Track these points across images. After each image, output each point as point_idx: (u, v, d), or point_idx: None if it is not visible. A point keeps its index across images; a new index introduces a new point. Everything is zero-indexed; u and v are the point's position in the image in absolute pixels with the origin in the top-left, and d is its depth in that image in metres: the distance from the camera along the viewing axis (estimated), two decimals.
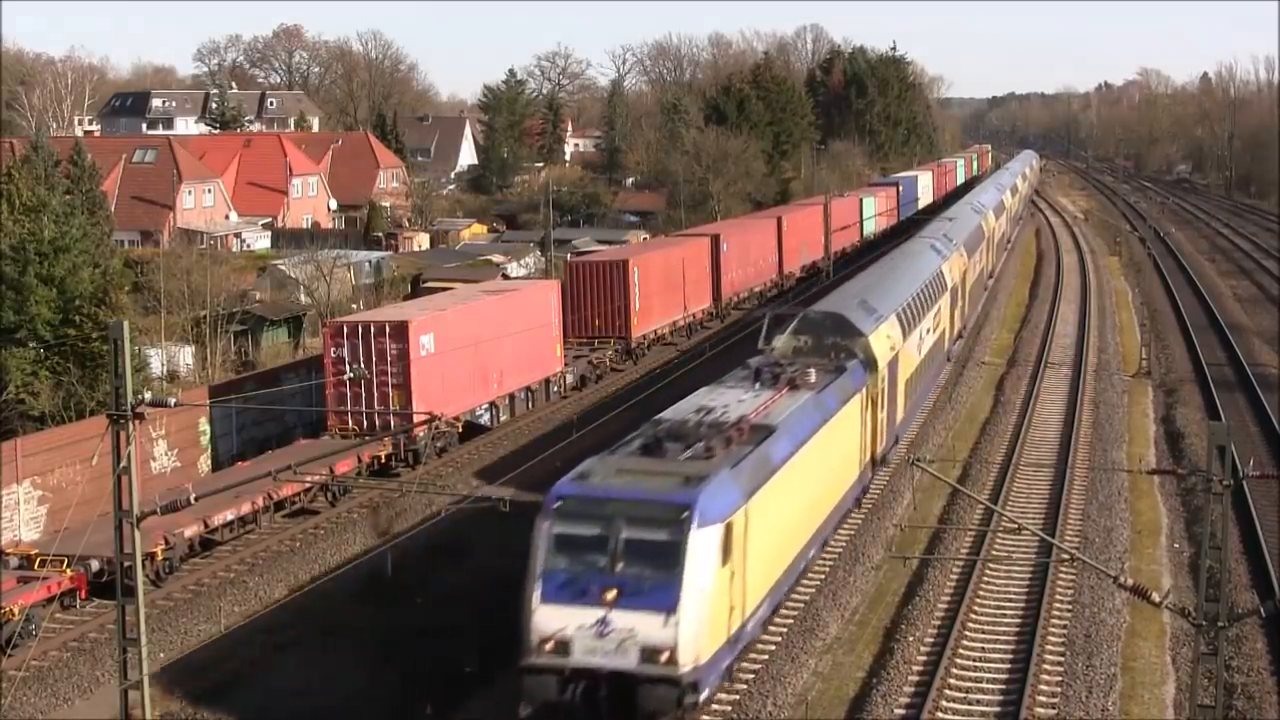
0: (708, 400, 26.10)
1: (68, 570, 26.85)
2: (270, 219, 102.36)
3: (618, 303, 51.60)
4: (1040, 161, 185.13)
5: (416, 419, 36.39)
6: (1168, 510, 33.39)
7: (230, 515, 30.97)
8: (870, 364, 30.75)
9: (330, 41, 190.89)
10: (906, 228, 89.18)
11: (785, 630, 25.14)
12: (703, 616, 19.46)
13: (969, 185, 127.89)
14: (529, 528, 20.43)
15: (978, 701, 22.61)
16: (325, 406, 37.70)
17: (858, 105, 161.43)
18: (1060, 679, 23.21)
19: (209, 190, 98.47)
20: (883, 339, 32.12)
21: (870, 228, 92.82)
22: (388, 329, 37.14)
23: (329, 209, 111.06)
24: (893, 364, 32.88)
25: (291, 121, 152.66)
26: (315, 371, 39.10)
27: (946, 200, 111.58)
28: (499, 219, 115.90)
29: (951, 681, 23.25)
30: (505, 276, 69.78)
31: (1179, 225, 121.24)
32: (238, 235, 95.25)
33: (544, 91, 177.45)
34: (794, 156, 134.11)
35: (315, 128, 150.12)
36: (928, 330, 39.97)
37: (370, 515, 33.22)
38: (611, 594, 19.24)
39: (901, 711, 22.16)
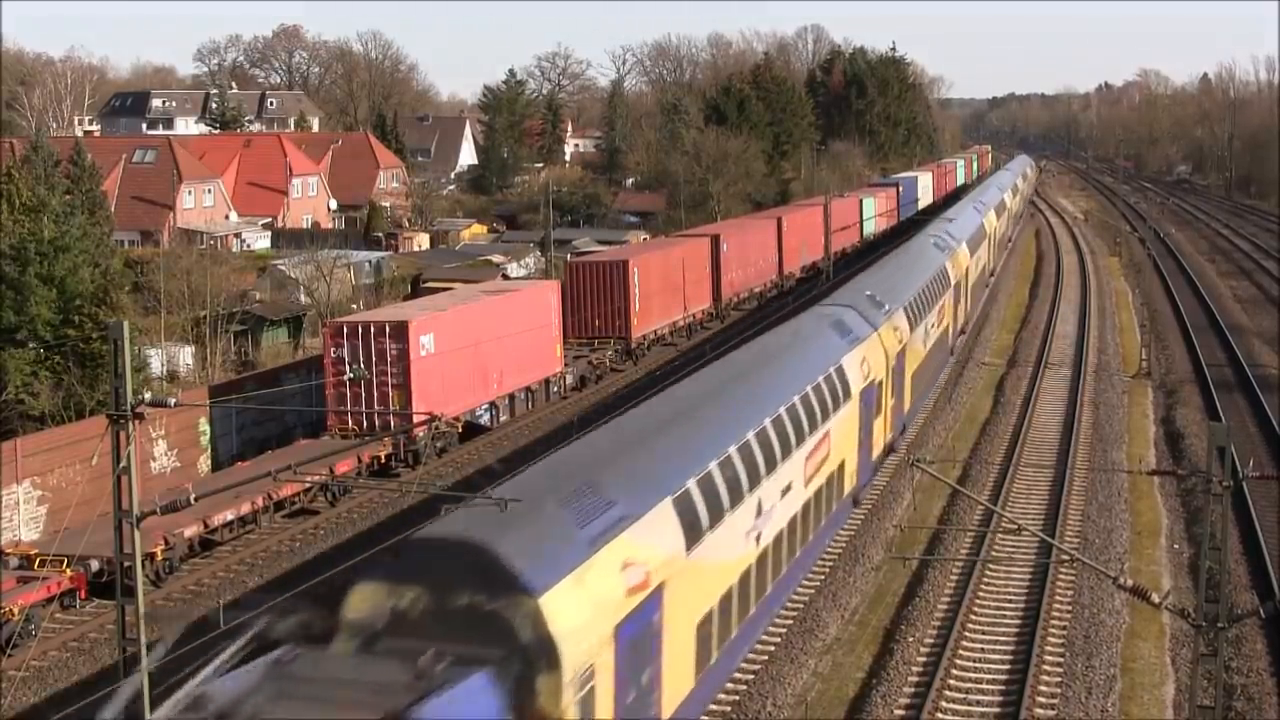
0: None
1: (68, 570, 26.86)
2: (270, 219, 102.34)
3: (617, 303, 51.66)
4: (1037, 167, 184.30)
5: (416, 419, 36.42)
6: (1167, 511, 33.38)
7: (230, 515, 30.99)
8: (540, 657, 14.00)
9: (330, 42, 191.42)
10: (907, 228, 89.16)
11: (785, 631, 25.14)
12: None
13: (968, 187, 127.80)
14: None
15: (977, 702, 22.61)
16: (325, 407, 37.74)
17: (858, 106, 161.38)
18: (1060, 680, 23.20)
19: (209, 190, 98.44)
20: (603, 583, 15.54)
21: (870, 228, 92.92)
22: (388, 329, 37.17)
23: (329, 209, 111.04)
24: (636, 623, 16.09)
25: (291, 121, 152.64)
26: (315, 372, 39.13)
27: (947, 201, 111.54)
28: (499, 219, 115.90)
29: (951, 682, 23.25)
30: (505, 277, 69.80)
31: (1179, 226, 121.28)
32: (238, 235, 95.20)
33: (544, 92, 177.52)
34: (794, 157, 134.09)
35: (315, 128, 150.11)
36: (787, 489, 22.75)
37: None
38: None
39: (901, 712, 22.15)
